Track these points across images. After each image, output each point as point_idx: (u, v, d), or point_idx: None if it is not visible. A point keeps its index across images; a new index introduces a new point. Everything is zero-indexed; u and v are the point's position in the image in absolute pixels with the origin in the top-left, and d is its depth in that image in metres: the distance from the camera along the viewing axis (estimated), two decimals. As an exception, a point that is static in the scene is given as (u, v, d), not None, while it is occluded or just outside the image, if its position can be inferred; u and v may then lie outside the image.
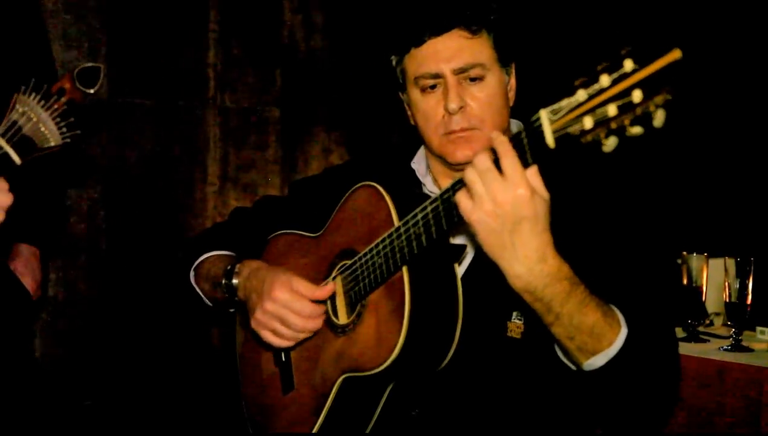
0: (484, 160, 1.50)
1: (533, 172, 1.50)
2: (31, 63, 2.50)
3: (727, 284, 2.67)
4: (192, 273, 2.20)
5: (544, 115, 1.43)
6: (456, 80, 1.90)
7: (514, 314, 1.87)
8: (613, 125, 1.34)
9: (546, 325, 1.64)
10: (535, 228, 1.51)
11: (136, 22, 3.55)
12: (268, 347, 2.08)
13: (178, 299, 2.39)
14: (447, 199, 1.61)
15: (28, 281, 2.57)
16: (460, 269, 1.87)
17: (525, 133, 1.47)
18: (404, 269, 1.74)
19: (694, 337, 2.72)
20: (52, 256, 3.21)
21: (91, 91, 1.41)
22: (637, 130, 1.33)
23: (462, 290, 1.77)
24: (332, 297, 1.95)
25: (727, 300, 2.66)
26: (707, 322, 2.91)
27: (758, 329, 2.74)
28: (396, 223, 1.77)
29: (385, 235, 1.77)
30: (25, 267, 2.58)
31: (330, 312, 1.95)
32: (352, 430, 1.89)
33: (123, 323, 3.55)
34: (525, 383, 1.89)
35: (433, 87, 1.93)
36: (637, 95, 1.31)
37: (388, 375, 1.79)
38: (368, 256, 1.82)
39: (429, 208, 1.66)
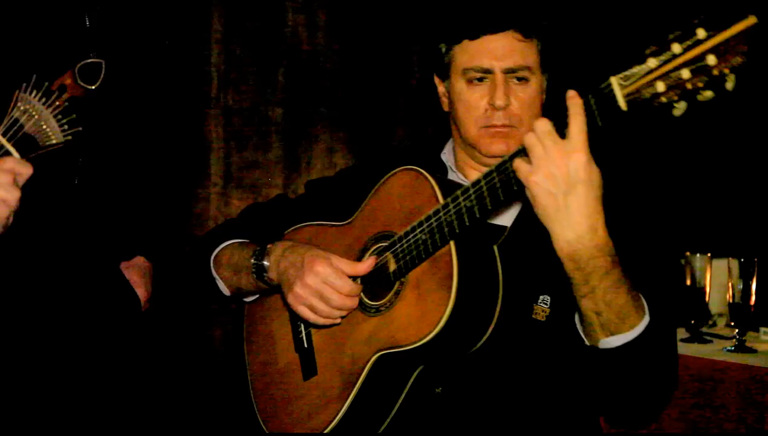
0: (545, 124, 1.59)
1: (587, 140, 1.58)
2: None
3: (730, 284, 2.66)
4: (212, 261, 2.21)
5: (614, 81, 1.52)
6: (504, 78, 2.00)
7: (541, 297, 1.93)
8: (689, 86, 1.45)
9: (577, 297, 1.70)
10: (589, 194, 1.59)
11: (137, 22, 3.54)
12: (286, 335, 2.11)
13: (191, 289, 2.41)
14: (504, 170, 1.68)
15: (141, 292, 2.59)
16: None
17: (593, 97, 1.55)
18: (451, 243, 1.80)
19: (697, 338, 2.72)
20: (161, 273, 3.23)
21: (93, 87, 1.41)
22: (708, 94, 1.45)
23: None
24: (365, 279, 1.97)
25: (731, 301, 2.66)
26: (710, 323, 2.90)
27: (762, 329, 2.74)
28: (441, 201, 1.83)
29: (430, 212, 1.83)
30: (140, 278, 2.61)
31: (362, 294, 1.98)
32: (379, 409, 1.92)
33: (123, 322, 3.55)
34: (545, 365, 1.94)
35: (480, 80, 2.02)
36: (711, 59, 1.43)
37: (426, 351, 1.81)
38: (411, 233, 1.87)
39: (483, 182, 1.73)
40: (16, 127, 1.43)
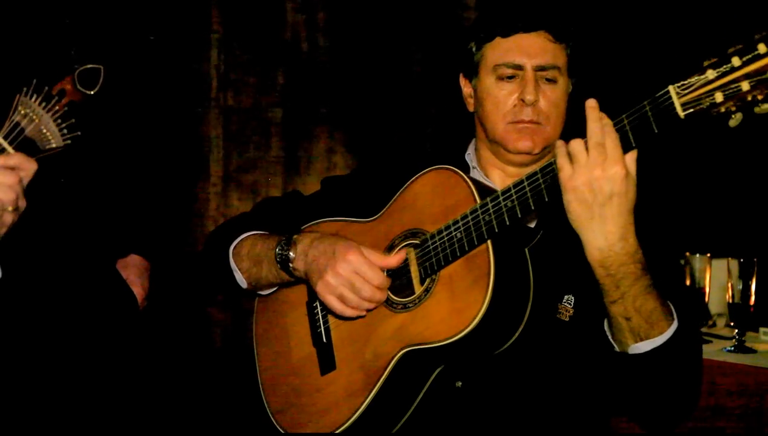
0: (596, 134, 1.65)
1: (631, 156, 1.66)
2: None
3: (730, 284, 2.66)
4: (231, 252, 2.18)
5: (672, 89, 1.58)
6: (534, 76, 2.03)
7: (566, 297, 1.95)
8: (749, 98, 1.52)
9: (607, 302, 1.74)
10: (623, 206, 1.65)
11: (137, 22, 3.54)
12: (302, 330, 2.11)
13: (206, 281, 2.41)
14: (550, 172, 1.73)
15: (138, 290, 2.59)
16: None
17: (649, 105, 1.60)
18: (489, 242, 1.82)
19: (697, 338, 2.71)
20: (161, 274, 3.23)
21: (92, 92, 1.42)
22: (766, 106, 1.53)
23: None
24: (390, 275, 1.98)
25: (730, 301, 2.66)
26: (710, 323, 2.90)
27: (761, 329, 2.74)
28: (479, 201, 1.85)
29: (467, 211, 1.85)
30: (137, 276, 2.61)
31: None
32: (400, 404, 1.93)
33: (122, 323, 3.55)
34: (566, 364, 1.96)
35: (510, 77, 2.05)
36: None
37: (454, 349, 1.82)
38: (446, 231, 1.88)
39: (526, 183, 1.77)
40: (17, 131, 1.44)
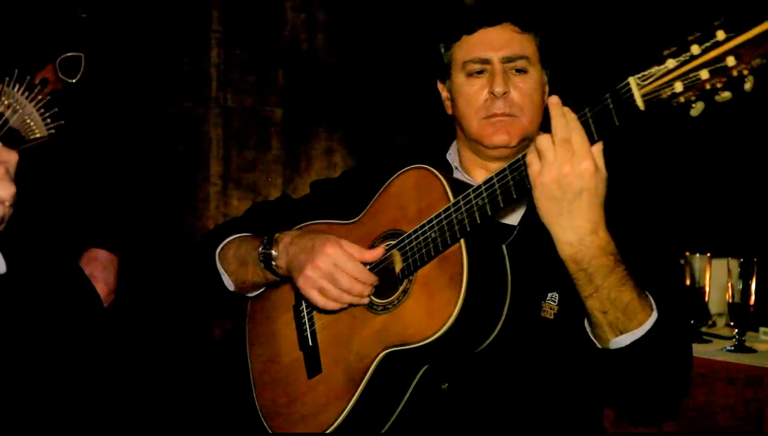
0: (561, 130, 1.62)
1: (598, 149, 1.63)
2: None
3: (730, 284, 2.66)
4: (217, 256, 2.20)
5: (632, 81, 1.54)
6: (502, 68, 2.03)
7: (549, 295, 1.95)
8: (707, 86, 1.47)
9: (583, 297, 1.73)
10: (593, 201, 1.63)
11: (137, 22, 3.55)
12: (290, 333, 2.11)
13: (194, 285, 2.40)
14: (517, 167, 1.71)
15: (101, 286, 2.56)
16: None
17: (611, 97, 1.57)
18: (462, 241, 1.82)
19: (696, 338, 2.70)
20: (134, 267, 3.21)
21: (74, 80, 1.41)
22: (726, 94, 1.47)
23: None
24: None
25: (730, 301, 2.66)
26: (710, 323, 2.89)
27: (761, 329, 2.73)
28: (452, 199, 1.84)
29: (441, 210, 1.85)
30: (101, 272, 2.58)
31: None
32: (385, 405, 1.93)
33: (122, 323, 3.54)
34: (553, 362, 1.95)
35: (479, 72, 2.06)
36: (730, 60, 1.44)
37: (433, 349, 1.82)
38: (420, 231, 1.88)
39: (495, 179, 1.76)
40: (1, 122, 1.43)
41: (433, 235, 1.85)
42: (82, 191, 2.53)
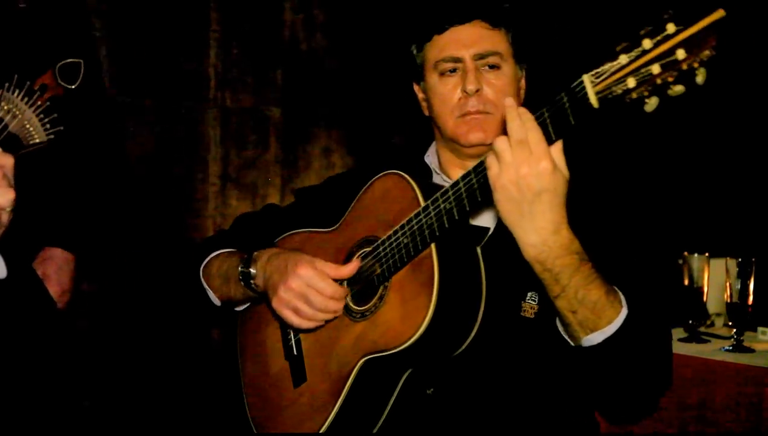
0: (517, 128, 1.60)
1: (557, 148, 1.61)
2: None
3: (728, 284, 2.66)
4: (201, 272, 2.21)
5: (586, 78, 1.52)
6: (474, 65, 2.02)
7: (529, 294, 1.94)
8: (658, 81, 1.45)
9: (551, 298, 1.72)
10: (553, 201, 1.61)
11: (137, 22, 3.55)
12: (277, 343, 2.11)
13: (183, 300, 2.39)
14: (481, 171, 1.69)
15: (53, 287, 2.50)
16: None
17: (566, 96, 1.55)
18: (432, 246, 1.81)
19: (695, 337, 2.71)
20: (93, 265, 3.20)
21: (73, 86, 1.41)
22: (679, 88, 1.45)
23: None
24: (352, 284, 1.98)
25: (729, 301, 2.66)
26: (708, 322, 2.89)
27: (759, 329, 2.73)
28: (422, 203, 1.84)
29: (412, 215, 1.84)
30: (54, 272, 2.53)
31: (348, 299, 1.98)
32: (369, 413, 1.92)
33: (122, 322, 3.55)
34: (537, 362, 1.95)
35: (452, 71, 2.05)
36: (680, 53, 1.42)
37: (410, 354, 1.81)
38: (393, 237, 1.88)
39: (461, 183, 1.74)
40: (1, 127, 1.43)
41: (405, 240, 1.85)
42: (44, 190, 2.47)
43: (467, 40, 2.03)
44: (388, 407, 1.91)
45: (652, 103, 1.47)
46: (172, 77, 3.62)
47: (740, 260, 2.63)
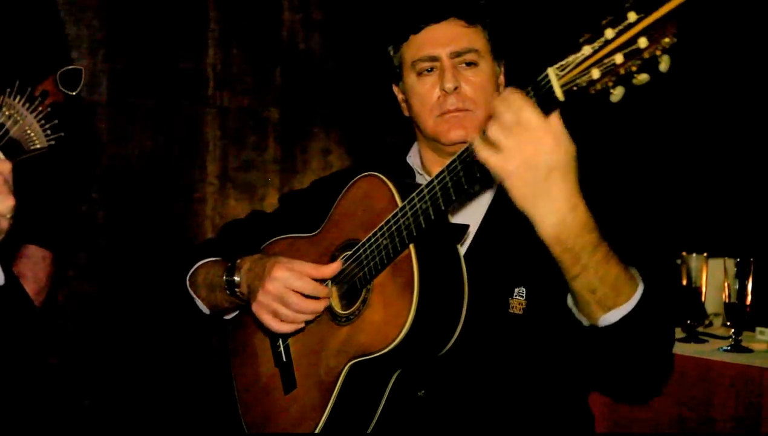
0: (511, 114, 1.53)
1: (555, 121, 1.54)
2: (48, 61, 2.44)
3: (726, 284, 2.65)
4: (188, 282, 2.21)
5: (551, 71, 1.50)
6: (452, 63, 2.01)
7: (516, 290, 1.92)
8: (621, 71, 1.42)
9: (569, 278, 1.66)
10: (566, 177, 1.55)
11: (135, 22, 3.55)
12: (266, 350, 2.11)
13: (175, 310, 2.39)
14: (453, 169, 1.66)
15: (29, 285, 2.48)
16: (462, 249, 1.92)
17: (532, 90, 1.53)
18: (411, 246, 1.80)
19: (693, 337, 2.70)
20: (68, 261, 3.20)
21: (73, 93, 1.42)
22: (643, 77, 1.42)
23: (466, 269, 1.83)
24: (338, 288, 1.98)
25: (727, 301, 2.65)
26: (706, 322, 2.89)
27: (758, 329, 2.72)
28: (400, 204, 1.83)
29: (390, 216, 1.83)
30: (30, 269, 2.51)
31: (332, 304, 1.98)
32: (361, 417, 1.92)
33: (122, 322, 3.55)
34: (528, 358, 1.94)
35: (429, 70, 2.04)
36: (642, 41, 1.39)
37: (395, 356, 1.81)
38: (372, 239, 1.87)
39: (435, 182, 1.72)
40: (2, 132, 1.44)
41: (383, 242, 1.84)
42: (35, 193, 2.46)
43: (443, 38, 2.02)
44: (379, 410, 1.91)
45: (617, 94, 1.45)
46: (171, 77, 3.62)
47: (738, 260, 2.62)
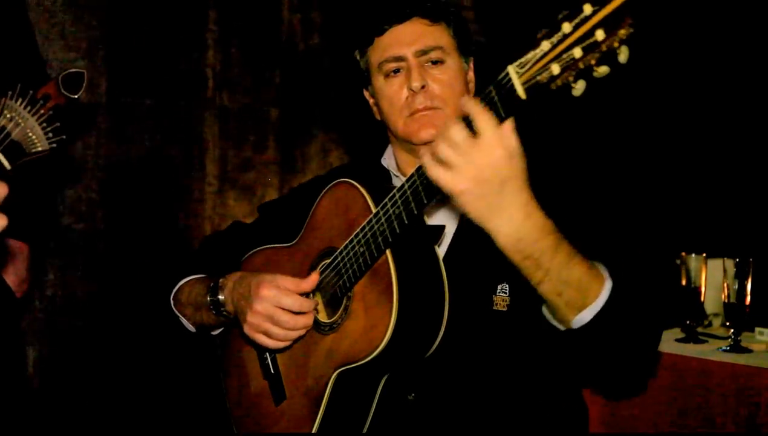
0: (456, 131, 1.53)
1: (508, 130, 1.52)
2: (18, 64, 2.47)
3: (725, 284, 2.65)
4: (171, 301, 2.21)
5: (512, 69, 1.48)
6: (418, 62, 2.00)
7: (499, 287, 1.92)
8: (581, 65, 1.41)
9: (534, 285, 1.65)
10: (516, 184, 1.54)
11: (135, 22, 3.55)
12: (255, 363, 2.11)
13: (163, 328, 2.38)
14: (423, 172, 1.64)
15: (10, 278, 2.51)
16: (442, 250, 1.93)
17: (494, 89, 1.51)
18: (388, 252, 1.79)
19: (692, 338, 2.71)
20: (45, 253, 3.19)
21: (75, 96, 1.42)
22: (603, 69, 1.41)
23: (446, 269, 1.82)
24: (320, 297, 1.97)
25: (726, 301, 2.65)
26: (706, 323, 2.89)
27: (757, 329, 2.73)
28: (374, 210, 1.82)
29: (364, 222, 1.82)
30: (9, 263, 2.53)
31: (317, 313, 1.98)
32: (352, 423, 1.91)
33: (121, 323, 3.55)
34: (514, 353, 1.93)
35: (396, 71, 2.03)
36: (599, 34, 1.38)
37: (381, 362, 1.81)
38: (349, 247, 1.87)
39: (406, 186, 1.71)
40: (3, 135, 1.44)
41: (360, 249, 1.84)
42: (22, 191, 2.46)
43: (408, 38, 2.01)
44: (370, 416, 1.90)
45: (579, 88, 1.44)
46: (170, 77, 3.62)
47: (738, 260, 2.63)
